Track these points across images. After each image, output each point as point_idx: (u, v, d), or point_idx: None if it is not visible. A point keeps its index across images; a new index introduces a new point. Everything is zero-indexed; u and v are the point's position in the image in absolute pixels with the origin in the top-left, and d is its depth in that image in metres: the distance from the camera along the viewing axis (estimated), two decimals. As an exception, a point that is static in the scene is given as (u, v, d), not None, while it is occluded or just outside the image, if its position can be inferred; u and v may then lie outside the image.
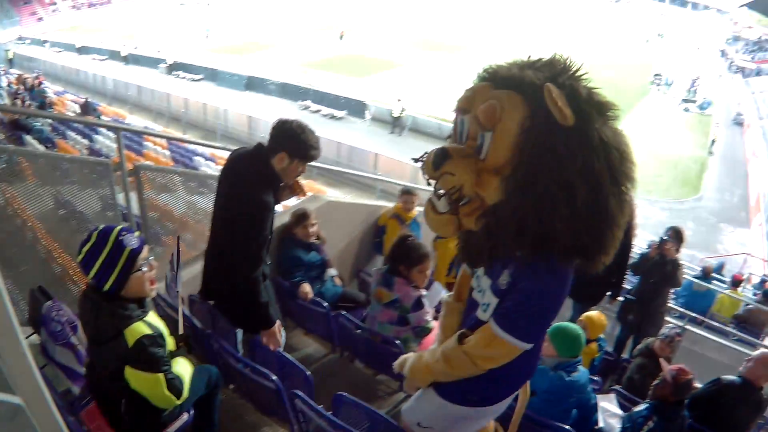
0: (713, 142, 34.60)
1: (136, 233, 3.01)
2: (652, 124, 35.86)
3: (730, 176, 30.69)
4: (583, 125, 2.14)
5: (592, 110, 2.18)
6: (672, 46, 60.63)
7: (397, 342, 4.54)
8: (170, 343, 3.35)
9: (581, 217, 2.18)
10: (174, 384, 3.01)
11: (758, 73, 56.47)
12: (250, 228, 3.58)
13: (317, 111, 32.79)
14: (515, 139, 2.20)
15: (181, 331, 3.50)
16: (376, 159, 23.18)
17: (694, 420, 4.85)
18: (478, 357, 2.54)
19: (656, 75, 46.54)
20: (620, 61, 49.90)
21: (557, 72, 2.24)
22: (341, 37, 51.44)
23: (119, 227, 2.96)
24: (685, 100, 42.74)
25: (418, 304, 4.78)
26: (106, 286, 2.87)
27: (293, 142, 3.65)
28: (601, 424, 4.68)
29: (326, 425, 3.35)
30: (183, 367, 3.26)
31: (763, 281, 16.92)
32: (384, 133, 29.59)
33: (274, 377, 3.61)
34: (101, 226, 2.95)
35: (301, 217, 5.58)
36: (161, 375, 2.93)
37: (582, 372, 4.45)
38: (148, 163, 14.70)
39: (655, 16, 75.27)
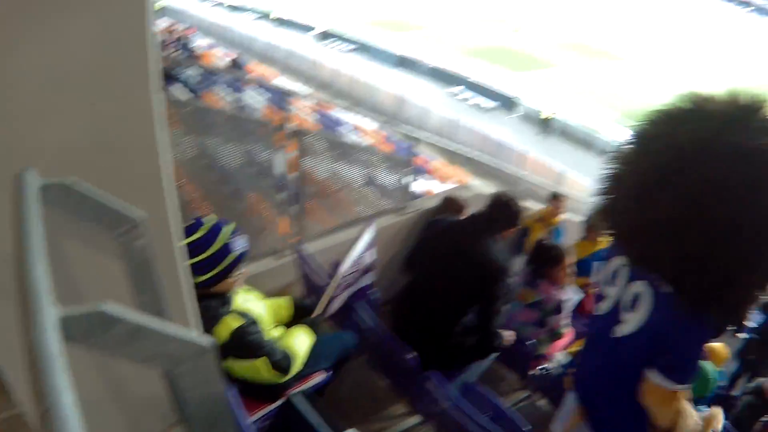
0: None
1: (243, 236, 3.02)
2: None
3: None
4: None
5: None
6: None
7: (528, 343, 4.58)
8: (283, 316, 3.48)
9: None
10: (279, 364, 2.99)
11: None
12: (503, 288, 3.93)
13: (465, 99, 32.50)
14: None
15: (318, 312, 3.52)
16: (522, 157, 22.86)
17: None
18: None
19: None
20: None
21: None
22: (515, 31, 49.92)
23: (231, 226, 2.98)
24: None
25: (559, 308, 4.75)
26: (199, 279, 2.83)
27: (518, 218, 4.14)
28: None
29: (454, 410, 3.35)
30: (300, 340, 3.23)
31: None
32: (530, 133, 29.00)
33: (413, 354, 3.63)
34: (212, 221, 2.95)
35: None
36: (261, 360, 2.93)
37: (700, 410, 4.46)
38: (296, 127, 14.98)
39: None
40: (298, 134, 5.22)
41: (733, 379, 7.52)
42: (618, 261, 2.29)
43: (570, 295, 5.02)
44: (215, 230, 2.90)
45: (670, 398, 2.15)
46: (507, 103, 31.86)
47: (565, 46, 47.89)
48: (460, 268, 3.89)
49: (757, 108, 1.89)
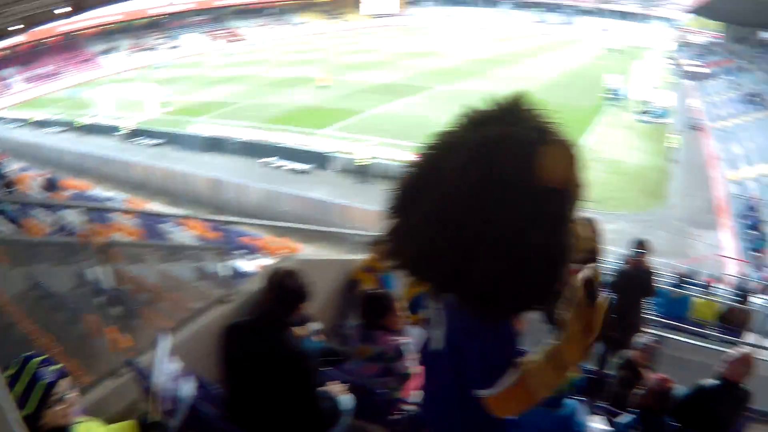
0: (673, 149, 34.86)
1: (57, 366, 2.95)
2: (611, 140, 36.45)
3: (694, 181, 31.24)
4: None
5: None
6: (622, 59, 61.23)
7: (379, 392, 4.64)
8: None
9: None
10: None
11: (709, 76, 57.15)
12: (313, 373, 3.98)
13: (280, 167, 32.59)
14: None
15: (153, 417, 3.51)
16: (346, 211, 23.24)
17: (682, 426, 4.96)
18: None
19: (609, 90, 46.70)
20: (570, 81, 50.44)
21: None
22: (319, 86, 50.90)
23: (41, 358, 2.91)
24: (641, 112, 43.08)
25: (400, 353, 4.81)
26: (22, 414, 2.74)
27: (303, 290, 3.96)
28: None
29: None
30: None
31: (740, 280, 17.39)
32: (350, 183, 29.50)
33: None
34: (24, 355, 2.90)
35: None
36: None
37: (568, 405, 4.46)
38: (118, 238, 14.64)
39: (598, 32, 76.52)
40: (116, 245, 5.20)
41: (602, 361, 7.90)
42: None
43: (410, 335, 5.08)
44: (24, 362, 2.84)
45: (513, 397, 2.12)
46: (321, 161, 32.27)
47: (366, 90, 49.10)
48: (266, 371, 3.88)
49: (513, 105, 2.05)
